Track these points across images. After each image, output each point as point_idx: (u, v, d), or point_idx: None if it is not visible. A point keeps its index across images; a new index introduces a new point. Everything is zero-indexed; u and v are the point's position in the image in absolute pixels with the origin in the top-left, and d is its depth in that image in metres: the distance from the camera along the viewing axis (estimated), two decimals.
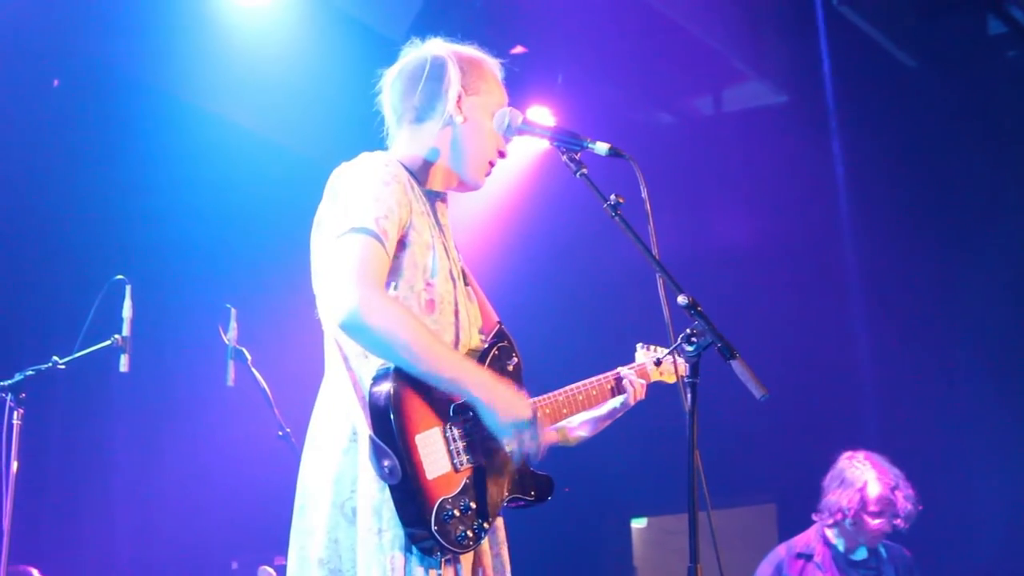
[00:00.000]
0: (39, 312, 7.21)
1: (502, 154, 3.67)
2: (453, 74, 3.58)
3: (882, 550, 6.53)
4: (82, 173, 7.31)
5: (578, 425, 3.94)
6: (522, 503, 3.56)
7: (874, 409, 8.49)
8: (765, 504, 9.54)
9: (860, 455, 6.48)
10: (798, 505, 6.81)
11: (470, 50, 3.67)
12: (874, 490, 6.35)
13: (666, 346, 4.01)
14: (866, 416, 8.45)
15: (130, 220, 7.50)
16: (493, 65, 3.70)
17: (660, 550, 10.56)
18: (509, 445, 3.38)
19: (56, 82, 7.33)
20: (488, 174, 3.67)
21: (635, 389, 3.95)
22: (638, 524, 10.66)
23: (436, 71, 3.59)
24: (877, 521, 6.34)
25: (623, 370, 3.97)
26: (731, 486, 8.22)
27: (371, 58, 3.78)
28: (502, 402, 3.35)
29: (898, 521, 6.35)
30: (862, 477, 6.38)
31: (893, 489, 6.35)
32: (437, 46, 3.66)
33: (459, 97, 3.57)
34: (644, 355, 4.16)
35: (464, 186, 3.66)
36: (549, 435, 3.55)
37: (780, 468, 8.79)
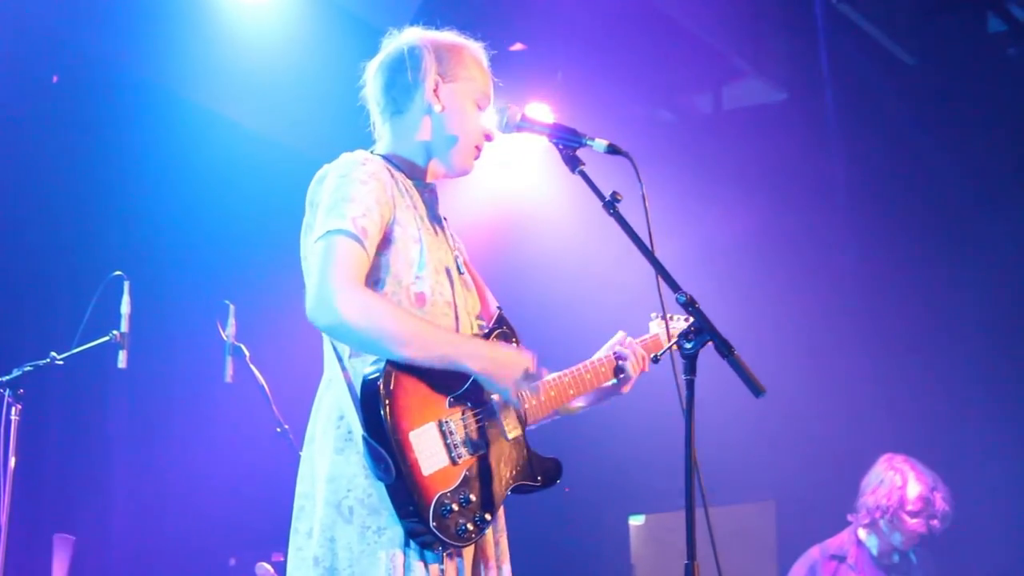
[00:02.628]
0: (37, 308, 7.21)
1: (488, 137, 3.65)
2: (428, 63, 3.59)
3: (912, 556, 6.56)
4: (80, 169, 7.31)
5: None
6: (528, 489, 3.55)
7: (874, 407, 8.47)
8: (764, 501, 9.53)
9: (899, 457, 6.56)
10: (797, 502, 6.83)
11: (448, 36, 3.68)
12: (914, 489, 6.41)
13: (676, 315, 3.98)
14: (866, 414, 8.43)
15: (128, 216, 7.50)
16: (475, 49, 3.69)
17: (658, 547, 10.54)
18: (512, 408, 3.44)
19: (55, 78, 7.32)
20: (477, 158, 3.65)
21: (636, 360, 3.90)
22: (636, 521, 10.64)
23: (412, 61, 3.60)
24: (914, 521, 6.39)
25: (630, 342, 3.93)
26: (730, 483, 8.20)
27: (370, 54, 3.77)
28: (499, 367, 3.36)
29: (934, 522, 6.41)
30: (902, 476, 6.45)
31: (932, 490, 6.43)
32: (413, 35, 3.67)
33: (436, 86, 3.58)
34: (658, 326, 4.12)
35: (452, 174, 3.65)
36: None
37: (779, 466, 8.78)
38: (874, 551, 6.49)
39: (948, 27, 8.57)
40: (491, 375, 3.36)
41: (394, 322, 3.24)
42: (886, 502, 6.43)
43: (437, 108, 3.57)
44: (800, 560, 6.63)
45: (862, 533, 6.52)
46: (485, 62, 3.69)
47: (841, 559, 6.50)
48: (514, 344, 3.59)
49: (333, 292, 3.21)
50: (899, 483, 6.44)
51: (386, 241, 3.38)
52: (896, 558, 6.52)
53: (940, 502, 6.43)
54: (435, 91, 3.58)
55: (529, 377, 3.41)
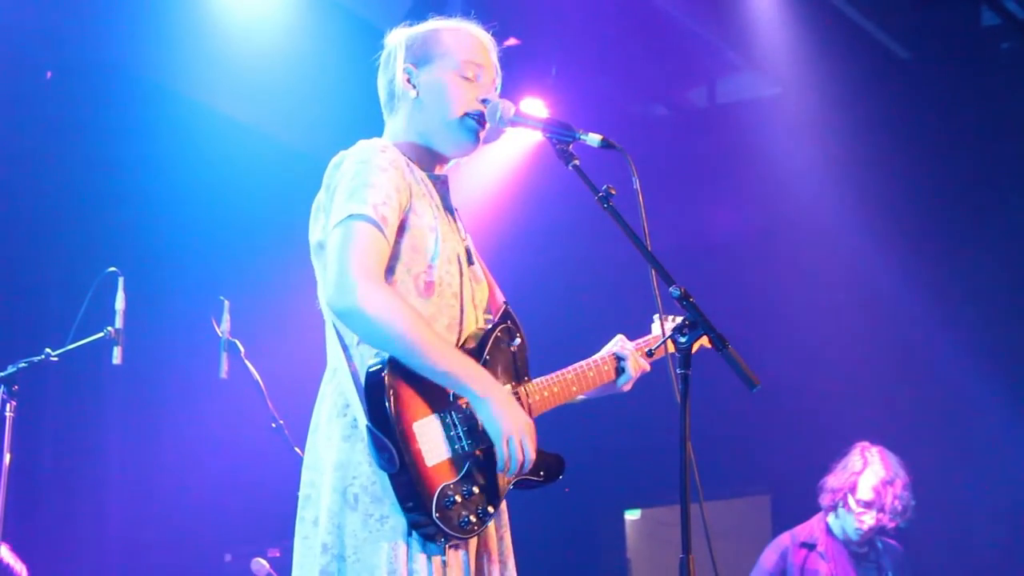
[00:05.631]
0: (32, 304, 7.20)
1: (485, 101, 3.61)
2: (398, 56, 3.62)
3: (878, 543, 6.54)
4: (75, 165, 7.30)
5: None
6: (531, 484, 3.53)
7: (869, 401, 8.48)
8: (759, 495, 9.55)
9: (873, 448, 6.52)
10: (792, 497, 6.84)
11: (426, 24, 3.70)
12: (868, 480, 6.37)
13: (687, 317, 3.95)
14: (861, 408, 8.44)
15: (123, 212, 7.49)
16: (453, 25, 3.69)
17: (654, 541, 10.57)
18: (501, 448, 3.33)
19: (49, 74, 7.31)
20: (476, 130, 3.60)
21: (635, 360, 3.88)
22: (632, 516, 10.67)
23: (387, 61, 3.67)
24: (862, 511, 6.36)
25: (628, 345, 3.93)
26: (725, 478, 8.21)
27: (365, 50, 3.79)
28: (499, 399, 3.33)
29: (883, 516, 6.36)
30: (863, 464, 6.43)
31: (886, 484, 6.36)
32: (392, 35, 3.71)
33: (408, 76, 3.60)
34: (668, 326, 4.09)
35: (454, 153, 3.64)
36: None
37: (774, 460, 8.80)
38: (842, 537, 6.48)
39: (942, 21, 8.57)
40: (491, 406, 3.31)
41: (408, 326, 3.24)
42: (839, 485, 6.42)
43: (412, 95, 3.60)
44: (771, 547, 6.60)
45: (831, 519, 6.52)
46: (469, 32, 3.68)
47: (811, 547, 6.48)
48: (519, 340, 3.59)
49: (355, 281, 3.22)
50: (857, 469, 6.43)
51: (401, 229, 3.39)
52: (866, 547, 6.50)
53: (891, 498, 6.35)
54: (408, 80, 3.60)
55: (526, 434, 3.36)
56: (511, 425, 3.33)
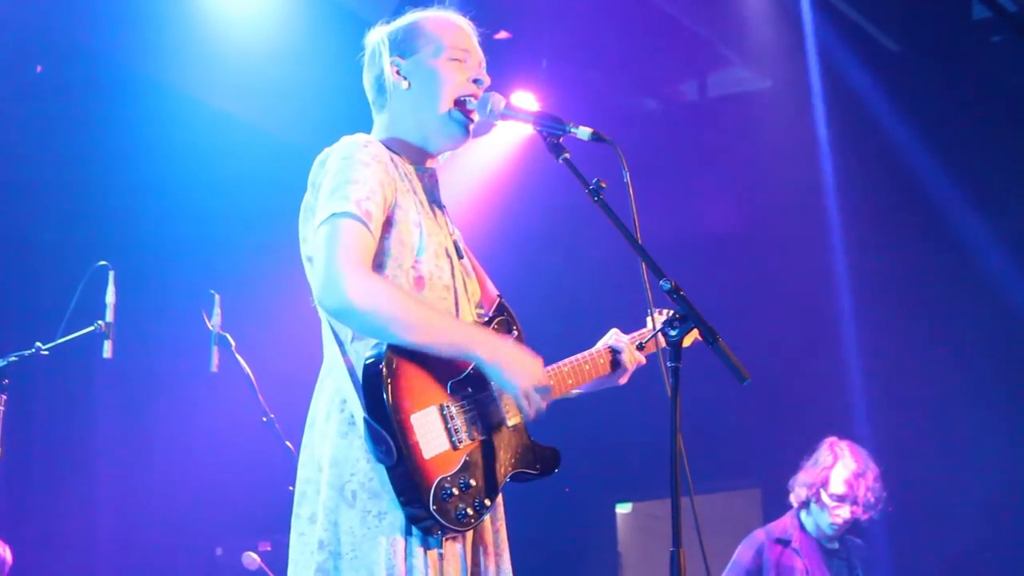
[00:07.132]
0: (22, 298, 7.19)
1: (478, 81, 3.61)
2: (383, 51, 3.62)
3: (847, 541, 6.59)
4: (65, 158, 7.29)
5: None
6: (527, 477, 3.54)
7: (859, 394, 8.49)
8: (750, 489, 9.56)
9: (842, 443, 6.56)
10: (782, 491, 6.85)
11: (403, 18, 3.70)
12: (839, 473, 6.42)
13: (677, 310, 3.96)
14: (851, 401, 8.46)
15: (114, 206, 7.49)
16: (433, 14, 3.70)
17: (645, 535, 10.57)
18: (515, 402, 3.38)
19: (40, 68, 7.30)
20: (470, 114, 3.59)
21: (630, 353, 3.88)
22: (623, 509, 10.67)
23: (372, 58, 3.67)
24: (835, 504, 6.39)
25: (624, 338, 3.93)
26: (716, 471, 8.22)
27: (355, 44, 3.78)
28: (507, 357, 3.35)
29: (856, 509, 6.39)
30: (834, 458, 6.46)
31: (858, 476, 6.40)
32: (372, 33, 3.71)
33: (396, 68, 3.60)
34: (659, 320, 4.09)
35: (442, 141, 3.62)
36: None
37: (765, 453, 8.80)
38: (815, 534, 6.52)
39: (933, 14, 8.58)
40: (501, 366, 3.34)
41: (401, 308, 3.24)
42: (811, 481, 6.46)
43: (404, 86, 3.59)
44: (746, 542, 6.62)
45: (803, 516, 6.55)
46: (448, 18, 3.68)
47: (786, 543, 6.51)
48: (515, 333, 3.59)
49: (342, 276, 3.21)
50: (828, 463, 6.46)
51: (388, 224, 3.38)
52: (837, 543, 6.54)
53: (864, 490, 6.39)
54: (396, 72, 3.60)
55: (537, 383, 3.39)
56: (524, 382, 3.36)
